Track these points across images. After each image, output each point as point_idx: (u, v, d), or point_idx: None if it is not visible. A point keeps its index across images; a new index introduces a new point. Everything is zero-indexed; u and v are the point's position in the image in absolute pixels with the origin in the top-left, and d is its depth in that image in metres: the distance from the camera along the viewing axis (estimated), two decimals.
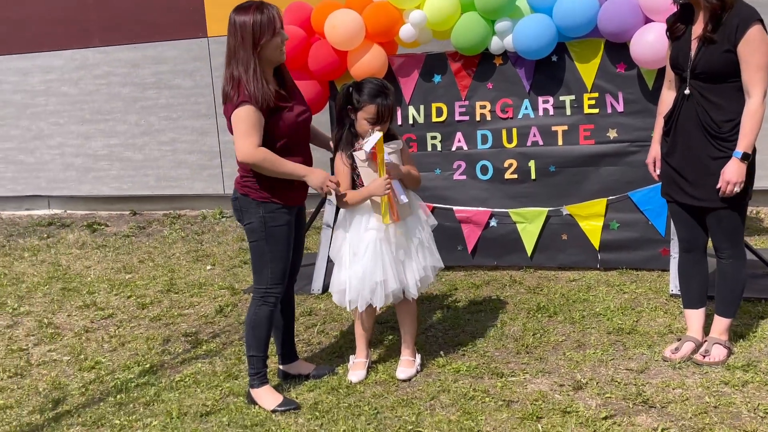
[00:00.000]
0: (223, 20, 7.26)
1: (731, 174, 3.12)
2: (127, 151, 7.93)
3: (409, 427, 3.07)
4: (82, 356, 4.11)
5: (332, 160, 4.87)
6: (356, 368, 3.56)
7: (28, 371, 3.98)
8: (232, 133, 3.19)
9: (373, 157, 3.28)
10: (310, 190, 3.32)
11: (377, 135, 3.23)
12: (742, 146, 3.12)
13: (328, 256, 4.86)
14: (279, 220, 3.24)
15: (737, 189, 3.14)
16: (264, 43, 3.09)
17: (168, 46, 7.57)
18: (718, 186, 3.17)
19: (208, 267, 5.71)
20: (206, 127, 7.59)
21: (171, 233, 6.91)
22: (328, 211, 4.95)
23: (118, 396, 3.57)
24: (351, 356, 3.66)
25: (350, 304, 3.43)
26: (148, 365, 3.90)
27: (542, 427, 2.99)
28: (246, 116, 3.07)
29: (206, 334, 4.30)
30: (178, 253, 6.18)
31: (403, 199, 3.33)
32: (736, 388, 3.15)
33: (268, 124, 3.13)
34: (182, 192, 7.83)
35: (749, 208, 5.89)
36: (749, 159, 3.13)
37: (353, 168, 3.34)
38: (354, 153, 3.31)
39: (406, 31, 4.66)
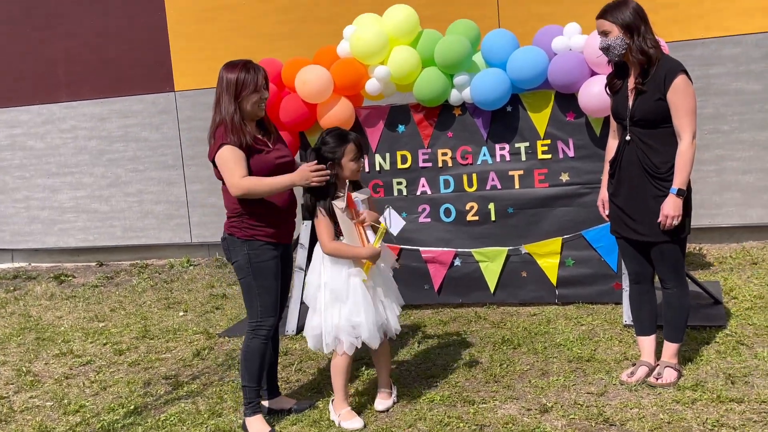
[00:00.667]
0: (189, 75, 7.62)
1: (669, 208, 3.48)
2: (94, 203, 8.02)
3: None
4: (65, 401, 4.19)
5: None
6: (350, 416, 3.54)
7: (12, 417, 4.04)
8: (217, 176, 3.45)
9: (361, 224, 3.54)
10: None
11: (396, 217, 3.55)
12: (677, 183, 3.49)
13: (301, 299, 5.07)
14: (264, 256, 3.46)
15: (675, 222, 3.49)
16: (245, 96, 3.41)
17: (135, 100, 7.77)
18: (659, 221, 3.52)
19: (181, 313, 5.82)
20: (173, 177, 7.76)
21: (140, 282, 7.00)
22: (300, 254, 5.17)
23: None
24: (332, 406, 3.62)
25: (328, 347, 3.51)
26: (132, 406, 4.01)
27: None
28: (228, 155, 3.36)
29: (186, 377, 4.42)
30: (149, 301, 6.28)
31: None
32: (687, 405, 3.44)
33: (248, 164, 3.39)
34: (149, 242, 7.93)
35: (693, 245, 6.35)
36: (684, 195, 3.50)
37: (332, 216, 3.51)
38: (333, 203, 3.49)
39: (371, 85, 5.00)
